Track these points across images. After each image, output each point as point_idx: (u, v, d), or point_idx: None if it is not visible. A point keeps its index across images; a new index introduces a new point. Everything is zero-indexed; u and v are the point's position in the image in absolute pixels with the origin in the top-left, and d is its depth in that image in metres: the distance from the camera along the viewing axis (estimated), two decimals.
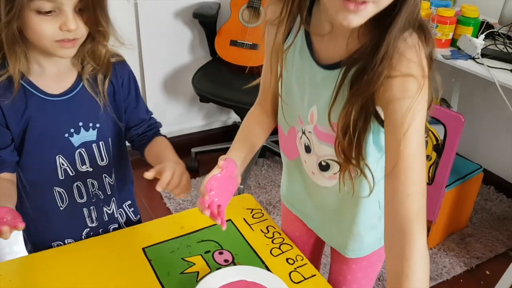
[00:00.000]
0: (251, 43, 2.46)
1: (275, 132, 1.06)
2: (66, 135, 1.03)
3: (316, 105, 0.89)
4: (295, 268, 1.02)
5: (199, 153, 2.81)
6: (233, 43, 2.50)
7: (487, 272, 2.07)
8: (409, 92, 0.73)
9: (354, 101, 0.77)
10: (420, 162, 0.75)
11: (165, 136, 1.18)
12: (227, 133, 2.98)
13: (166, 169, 0.94)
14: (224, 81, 2.46)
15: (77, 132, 1.04)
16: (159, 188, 0.91)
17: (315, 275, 1.00)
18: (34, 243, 1.15)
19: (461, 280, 2.03)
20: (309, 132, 0.93)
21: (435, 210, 2.04)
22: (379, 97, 0.77)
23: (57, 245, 1.12)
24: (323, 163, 0.95)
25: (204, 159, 2.77)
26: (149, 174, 0.91)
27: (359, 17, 0.70)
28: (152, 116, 1.19)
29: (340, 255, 1.07)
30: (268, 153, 2.88)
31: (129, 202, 1.22)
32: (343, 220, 1.00)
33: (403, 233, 0.71)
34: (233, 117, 3.01)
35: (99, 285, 0.95)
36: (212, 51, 2.61)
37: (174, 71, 2.68)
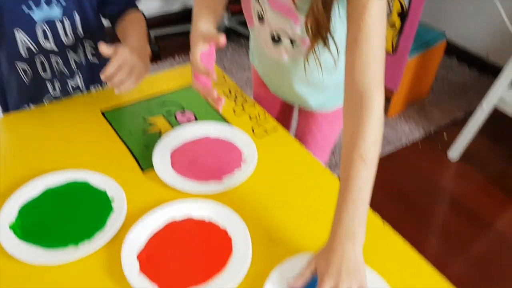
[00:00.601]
0: None
1: (239, 12, 0.98)
2: (24, 7, 0.95)
3: None
4: (257, 123, 1.03)
5: (159, 38, 2.70)
6: None
7: (445, 137, 2.18)
8: None
9: None
10: (381, 31, 0.74)
11: (141, 11, 1.08)
12: (187, 16, 2.85)
13: (114, 58, 0.88)
14: None
15: (37, 4, 0.96)
16: (102, 77, 0.88)
17: (277, 128, 1.02)
18: (6, 105, 1.15)
19: (420, 145, 2.14)
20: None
21: (397, 79, 2.07)
22: None
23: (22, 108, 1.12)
24: (276, 37, 0.92)
25: (165, 45, 2.67)
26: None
27: None
28: None
29: (307, 111, 1.08)
30: (233, 36, 2.80)
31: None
32: (302, 83, 1.00)
33: (361, 98, 0.72)
34: None
35: (60, 148, 0.94)
36: None
37: None
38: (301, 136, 1.11)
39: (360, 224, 0.68)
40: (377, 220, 0.83)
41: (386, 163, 2.02)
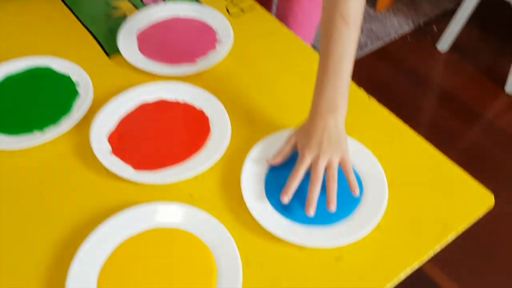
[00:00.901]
0: None
1: None
2: None
3: None
4: (232, 3, 0.94)
5: None
6: None
7: (435, 29, 2.10)
8: None
9: None
10: None
11: None
12: None
13: None
14: None
15: None
16: None
17: (254, 7, 0.94)
18: None
19: (409, 38, 2.06)
20: None
21: None
22: None
23: None
24: None
25: None
26: None
27: None
28: None
29: None
30: None
31: None
32: None
33: None
34: None
35: (17, 36, 0.86)
36: None
37: None
38: (282, 18, 1.03)
39: (342, 95, 0.64)
40: (361, 93, 0.79)
41: (374, 59, 1.95)
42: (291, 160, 0.66)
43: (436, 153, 0.70)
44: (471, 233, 0.66)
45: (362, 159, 0.67)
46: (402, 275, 0.57)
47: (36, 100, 0.73)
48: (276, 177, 0.65)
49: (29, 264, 0.57)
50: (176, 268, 0.56)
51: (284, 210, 0.62)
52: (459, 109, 1.80)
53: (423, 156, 0.70)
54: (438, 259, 0.62)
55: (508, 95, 1.84)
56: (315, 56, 0.84)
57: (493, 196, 0.66)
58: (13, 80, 0.75)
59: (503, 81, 1.86)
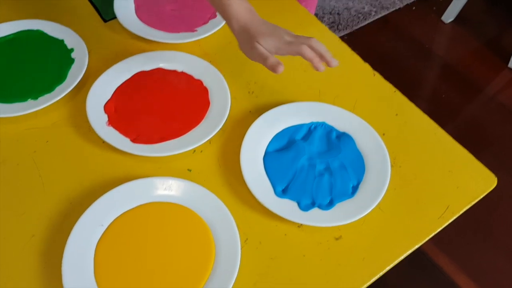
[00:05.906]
0: None
1: None
2: None
3: None
4: None
5: None
6: None
7: None
8: None
9: None
10: None
11: None
12: None
13: None
14: None
15: None
16: None
17: None
18: None
19: (414, 8, 2.01)
20: None
21: None
22: None
23: None
24: None
25: None
26: None
27: None
28: None
29: None
30: None
31: None
32: None
33: None
34: None
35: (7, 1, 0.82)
36: None
37: None
38: None
39: None
40: (367, 68, 0.76)
41: (378, 28, 1.91)
42: (292, 144, 0.65)
43: (441, 132, 0.69)
44: (470, 211, 0.66)
45: (366, 138, 0.66)
46: (403, 257, 0.57)
47: (29, 66, 0.70)
48: (276, 155, 0.64)
49: (24, 238, 0.55)
50: (174, 243, 0.55)
51: (283, 189, 0.61)
52: (460, 83, 1.77)
53: (428, 135, 0.68)
54: (436, 237, 0.62)
55: (511, 70, 1.81)
56: (318, 25, 0.82)
57: (496, 178, 0.65)
58: (3, 44, 0.72)
59: (506, 55, 1.83)
